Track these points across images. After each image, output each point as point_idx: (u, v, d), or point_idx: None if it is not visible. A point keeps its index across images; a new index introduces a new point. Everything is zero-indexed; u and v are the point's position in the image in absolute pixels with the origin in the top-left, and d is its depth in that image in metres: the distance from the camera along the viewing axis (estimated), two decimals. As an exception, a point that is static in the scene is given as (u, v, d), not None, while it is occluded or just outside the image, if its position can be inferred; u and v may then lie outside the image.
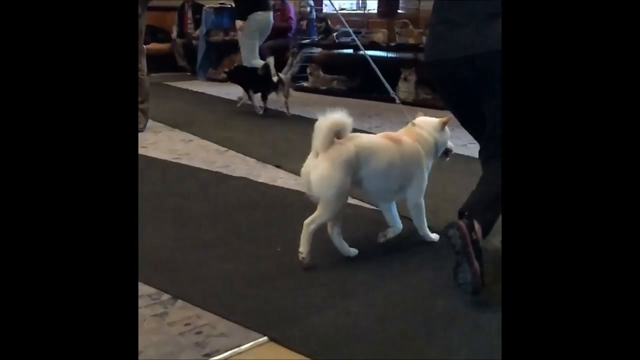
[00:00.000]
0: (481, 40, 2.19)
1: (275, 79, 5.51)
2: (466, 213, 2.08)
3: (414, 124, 2.54)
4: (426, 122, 2.55)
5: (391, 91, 2.73)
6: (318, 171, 2.22)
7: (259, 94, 5.83)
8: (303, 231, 2.25)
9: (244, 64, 6.19)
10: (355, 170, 2.27)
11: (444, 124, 2.54)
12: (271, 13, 6.23)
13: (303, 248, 2.24)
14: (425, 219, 2.51)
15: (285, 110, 5.69)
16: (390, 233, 2.55)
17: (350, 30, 3.75)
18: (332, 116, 2.21)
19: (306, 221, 2.26)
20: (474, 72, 2.24)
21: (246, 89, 5.94)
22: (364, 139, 2.36)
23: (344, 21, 3.44)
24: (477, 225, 2.00)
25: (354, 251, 2.36)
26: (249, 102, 5.93)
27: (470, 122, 2.51)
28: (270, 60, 5.61)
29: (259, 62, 6.03)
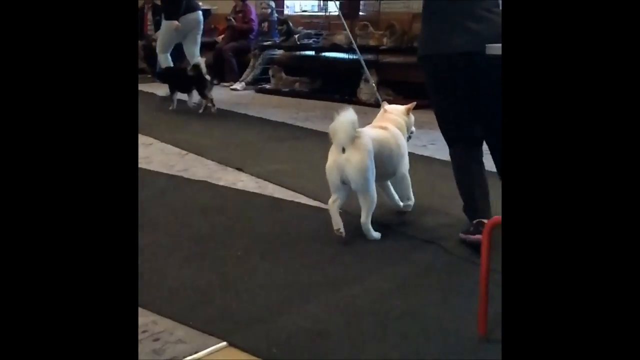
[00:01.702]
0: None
1: (208, 77, 5.72)
2: None
3: (386, 111, 2.84)
4: (395, 109, 2.89)
5: (379, 96, 3.23)
6: (356, 165, 2.43)
7: (194, 94, 6.00)
8: (364, 229, 2.52)
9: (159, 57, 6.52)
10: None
11: (409, 110, 2.87)
12: (200, 12, 6.40)
13: (371, 235, 2.52)
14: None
15: (210, 106, 5.84)
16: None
17: (349, 33, 3.83)
18: (349, 113, 2.43)
19: (362, 220, 2.50)
20: (493, 67, 2.12)
21: (173, 90, 6.09)
22: (370, 130, 2.64)
23: (344, 23, 3.49)
24: None
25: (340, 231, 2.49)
26: (195, 103, 6.07)
27: (456, 121, 2.53)
28: (201, 60, 5.85)
29: (168, 60, 6.37)
